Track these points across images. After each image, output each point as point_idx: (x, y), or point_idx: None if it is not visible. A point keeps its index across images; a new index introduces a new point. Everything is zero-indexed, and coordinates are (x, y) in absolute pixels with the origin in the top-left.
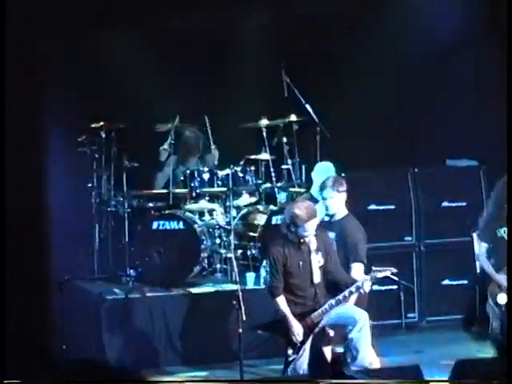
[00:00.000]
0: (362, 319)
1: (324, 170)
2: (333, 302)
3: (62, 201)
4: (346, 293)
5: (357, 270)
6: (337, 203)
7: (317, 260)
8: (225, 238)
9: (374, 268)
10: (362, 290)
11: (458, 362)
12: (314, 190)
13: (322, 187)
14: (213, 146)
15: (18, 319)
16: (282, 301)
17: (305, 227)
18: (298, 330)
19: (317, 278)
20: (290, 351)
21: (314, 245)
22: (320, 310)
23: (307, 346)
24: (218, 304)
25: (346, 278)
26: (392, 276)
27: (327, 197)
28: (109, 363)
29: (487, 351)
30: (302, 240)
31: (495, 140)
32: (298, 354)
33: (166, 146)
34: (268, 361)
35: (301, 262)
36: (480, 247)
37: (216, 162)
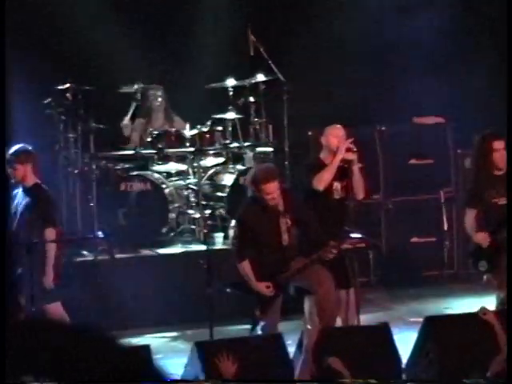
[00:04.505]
0: (323, 289)
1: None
2: (300, 266)
3: None
4: (314, 257)
5: None
6: None
7: (284, 222)
8: (193, 199)
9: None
10: (327, 256)
11: (426, 319)
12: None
13: None
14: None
15: None
16: (246, 266)
17: (264, 189)
18: (263, 289)
19: (285, 239)
20: (257, 312)
21: (281, 206)
22: (288, 273)
23: (275, 307)
24: (186, 264)
25: (314, 240)
26: (360, 235)
27: None
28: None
29: (455, 308)
30: (268, 202)
31: (461, 97)
32: (265, 315)
33: (126, 121)
34: (238, 321)
35: (268, 225)
36: (468, 214)
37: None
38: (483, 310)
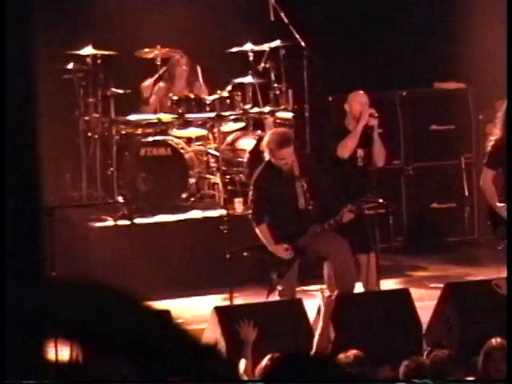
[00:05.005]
0: (340, 257)
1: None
2: (318, 229)
3: (49, 128)
4: (331, 221)
5: None
6: None
7: (300, 186)
8: (213, 164)
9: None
10: (343, 220)
11: (446, 284)
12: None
13: None
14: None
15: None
16: (263, 229)
17: (279, 154)
18: (282, 252)
19: (301, 203)
20: (274, 275)
21: (297, 170)
22: (305, 236)
23: (292, 272)
24: (206, 230)
25: (331, 205)
26: (379, 200)
27: None
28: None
29: (475, 274)
30: (283, 167)
31: (483, 63)
32: (282, 279)
33: (147, 82)
34: (258, 286)
35: (284, 189)
36: (486, 174)
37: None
38: (496, 282)
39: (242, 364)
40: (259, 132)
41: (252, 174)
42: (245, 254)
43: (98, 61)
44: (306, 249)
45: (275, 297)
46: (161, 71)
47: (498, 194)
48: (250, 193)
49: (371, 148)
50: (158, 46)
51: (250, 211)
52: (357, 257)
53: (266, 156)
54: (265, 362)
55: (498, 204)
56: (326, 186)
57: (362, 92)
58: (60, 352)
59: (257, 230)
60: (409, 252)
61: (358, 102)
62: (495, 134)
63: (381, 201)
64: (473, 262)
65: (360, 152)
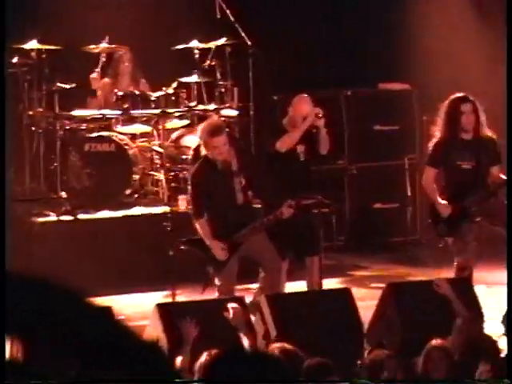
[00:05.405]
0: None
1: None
2: (257, 224)
3: None
4: (271, 217)
5: None
6: None
7: (238, 182)
8: (157, 161)
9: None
10: (282, 215)
11: (388, 285)
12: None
13: None
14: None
15: None
16: (202, 224)
17: (211, 142)
18: (217, 250)
19: (239, 199)
20: (210, 269)
21: (234, 166)
22: (243, 232)
23: (230, 268)
24: (149, 226)
25: (270, 200)
26: (319, 198)
27: None
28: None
29: (417, 274)
30: (217, 158)
31: (428, 63)
32: (218, 273)
33: (95, 74)
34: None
35: (221, 184)
36: (427, 172)
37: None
38: (436, 282)
39: (178, 360)
40: None
41: None
42: (182, 247)
43: (43, 55)
44: (243, 246)
45: (215, 293)
46: (101, 62)
47: (439, 193)
48: (189, 188)
49: (316, 144)
50: (104, 42)
51: (190, 207)
52: (305, 259)
53: (202, 150)
54: (204, 357)
55: (440, 201)
56: (264, 182)
57: (306, 95)
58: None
59: (196, 225)
60: (351, 251)
61: (303, 106)
62: (437, 134)
63: (320, 197)
64: (415, 262)
65: (300, 147)
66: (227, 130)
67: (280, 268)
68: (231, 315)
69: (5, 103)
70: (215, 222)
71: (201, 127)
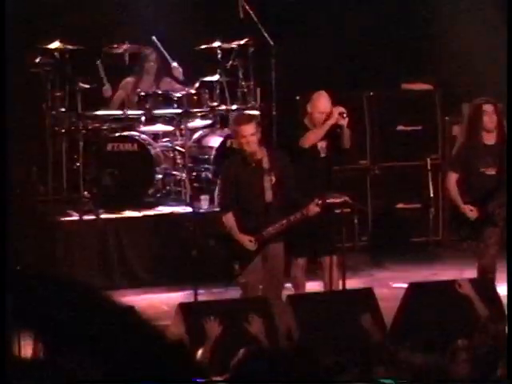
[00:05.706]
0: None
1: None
2: (284, 221)
3: (16, 121)
4: (298, 215)
5: None
6: None
7: (269, 179)
8: (179, 161)
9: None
10: (309, 213)
11: (410, 285)
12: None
13: None
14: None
15: None
16: (229, 218)
17: (240, 131)
18: (246, 242)
19: (268, 196)
20: (236, 266)
21: (266, 163)
22: (270, 228)
23: (255, 265)
24: (171, 226)
25: (297, 199)
26: (346, 198)
27: None
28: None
29: (439, 274)
30: (253, 159)
31: (451, 64)
32: (243, 270)
33: (106, 86)
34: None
35: (251, 180)
36: (450, 177)
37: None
38: (458, 283)
39: (198, 354)
40: (226, 130)
41: (219, 172)
42: (210, 243)
43: (66, 55)
44: (265, 246)
45: (238, 292)
46: (104, 76)
47: (462, 196)
48: (218, 181)
49: (338, 141)
50: (127, 42)
51: (218, 200)
52: (319, 260)
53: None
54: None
55: (463, 205)
56: (293, 181)
57: (323, 92)
58: (23, 347)
59: (223, 219)
60: (373, 251)
61: (321, 102)
62: (460, 138)
63: (346, 198)
64: (437, 263)
65: (322, 144)
66: (258, 121)
67: (282, 283)
68: (251, 326)
69: (27, 103)
70: (242, 218)
71: (232, 117)
